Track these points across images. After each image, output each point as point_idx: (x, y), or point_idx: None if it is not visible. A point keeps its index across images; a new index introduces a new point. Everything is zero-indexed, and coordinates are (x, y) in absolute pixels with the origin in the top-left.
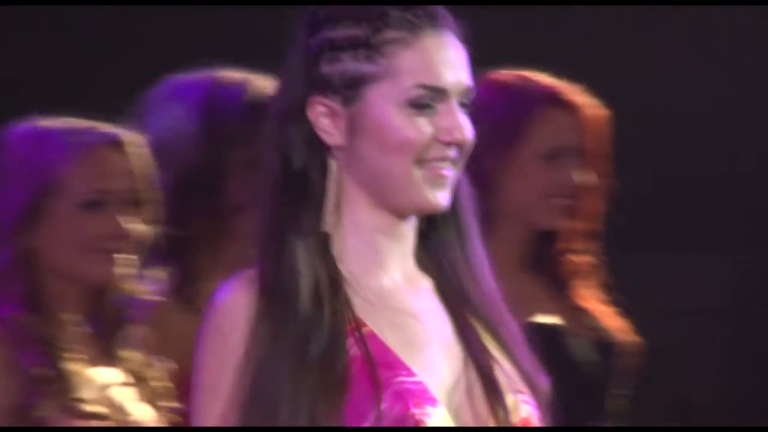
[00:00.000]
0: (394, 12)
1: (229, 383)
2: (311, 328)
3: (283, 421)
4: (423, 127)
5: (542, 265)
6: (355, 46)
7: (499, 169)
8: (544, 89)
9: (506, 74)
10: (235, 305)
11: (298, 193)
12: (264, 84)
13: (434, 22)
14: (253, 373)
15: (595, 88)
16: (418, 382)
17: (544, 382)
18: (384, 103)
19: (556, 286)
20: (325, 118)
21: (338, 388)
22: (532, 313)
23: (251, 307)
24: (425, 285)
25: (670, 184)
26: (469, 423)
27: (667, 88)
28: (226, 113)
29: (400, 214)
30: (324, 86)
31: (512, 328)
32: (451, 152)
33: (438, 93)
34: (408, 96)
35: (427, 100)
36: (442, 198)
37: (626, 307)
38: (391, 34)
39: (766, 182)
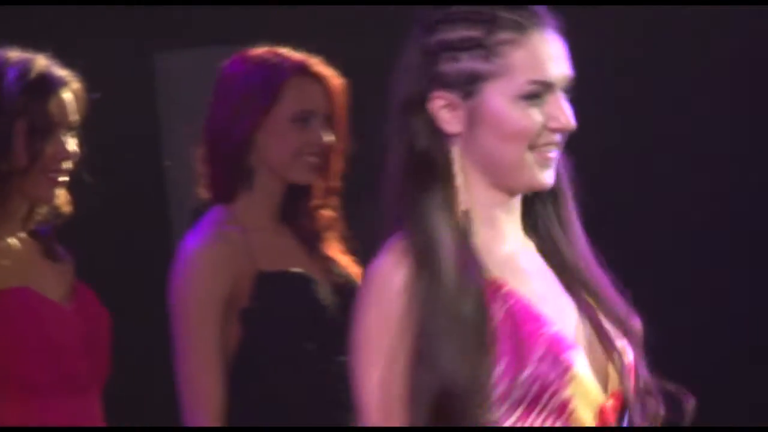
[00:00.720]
0: (503, 14)
1: (391, 345)
2: (460, 292)
3: (445, 378)
4: (535, 116)
5: (295, 217)
6: (471, 46)
7: (257, 129)
8: (293, 61)
9: (262, 50)
10: (392, 274)
11: (427, 175)
12: (44, 63)
13: (538, 21)
14: (414, 335)
15: (334, 58)
16: (558, 331)
17: (637, 325)
18: (500, 98)
19: (307, 236)
20: (445, 110)
21: (491, 343)
22: (285, 261)
23: (407, 275)
24: (532, 248)
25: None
26: (597, 365)
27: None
28: (12, 89)
29: (513, 192)
30: (444, 82)
31: (605, 282)
32: (557, 137)
33: (546, 86)
34: (522, 91)
35: (537, 92)
36: (549, 177)
37: (360, 256)
38: (502, 35)
39: None
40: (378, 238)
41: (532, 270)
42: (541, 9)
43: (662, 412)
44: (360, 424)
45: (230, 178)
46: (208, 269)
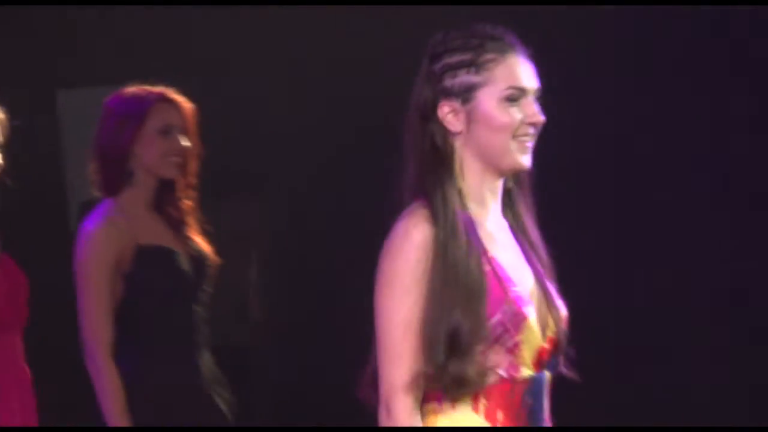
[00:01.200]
0: (487, 42)
1: (411, 288)
2: (467, 251)
3: (456, 312)
4: (515, 114)
5: (163, 206)
6: (466, 65)
7: (134, 141)
8: (155, 92)
9: (133, 87)
10: (413, 232)
11: (439, 163)
12: None
13: (513, 47)
14: (429, 282)
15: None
16: (519, 291)
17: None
18: (489, 101)
19: (172, 221)
20: (450, 115)
21: (484, 290)
22: (157, 238)
23: (425, 233)
24: (506, 226)
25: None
26: (541, 318)
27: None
28: None
29: (500, 176)
30: (448, 94)
31: (546, 257)
32: (531, 130)
33: (521, 91)
34: (504, 95)
35: (515, 96)
36: (527, 161)
37: (210, 236)
38: (487, 56)
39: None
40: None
41: (506, 243)
42: (513, 38)
43: (572, 355)
44: (382, 354)
45: (116, 178)
46: (100, 245)
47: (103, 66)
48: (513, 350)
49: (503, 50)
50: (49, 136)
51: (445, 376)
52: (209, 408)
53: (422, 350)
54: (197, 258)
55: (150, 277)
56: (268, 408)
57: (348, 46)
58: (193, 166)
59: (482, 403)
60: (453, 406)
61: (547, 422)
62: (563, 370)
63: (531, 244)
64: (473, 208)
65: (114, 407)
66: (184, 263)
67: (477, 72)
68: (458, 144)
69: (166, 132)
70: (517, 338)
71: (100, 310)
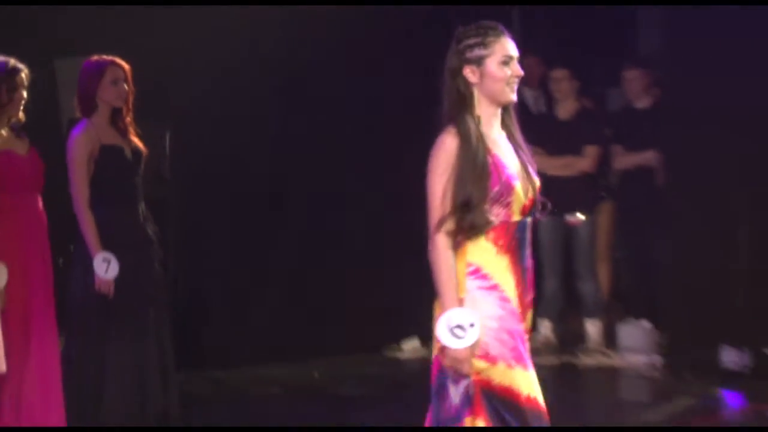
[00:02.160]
0: (489, 30)
1: (448, 171)
2: (476, 151)
3: (470, 186)
4: (507, 71)
5: (116, 122)
6: (478, 45)
7: (98, 86)
8: (110, 59)
9: (98, 56)
10: (449, 141)
11: (463, 101)
12: (13, 62)
13: (504, 32)
14: (458, 167)
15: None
16: (510, 172)
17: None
18: (492, 64)
19: (121, 130)
20: (470, 73)
21: (487, 173)
22: (112, 140)
23: (455, 143)
24: (504, 135)
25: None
26: (524, 187)
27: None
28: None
29: (498, 106)
30: (469, 62)
31: (530, 153)
32: (516, 79)
33: (510, 58)
34: (501, 60)
35: (507, 61)
36: (514, 98)
37: (140, 137)
38: (489, 39)
39: None
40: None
41: (503, 145)
42: (502, 26)
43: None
44: (430, 212)
45: (88, 107)
46: (81, 142)
47: (84, 42)
48: (507, 206)
49: (498, 35)
50: (50, 85)
51: (464, 223)
52: (144, 234)
53: (452, 208)
54: (135, 150)
55: (108, 161)
56: (177, 234)
57: None
58: (130, 100)
59: (490, 236)
60: (472, 243)
61: (530, 254)
62: (538, 216)
63: (519, 146)
64: (483, 126)
65: (90, 234)
66: (128, 153)
67: (485, 48)
68: (475, 90)
69: (115, 82)
70: (509, 199)
71: (81, 179)
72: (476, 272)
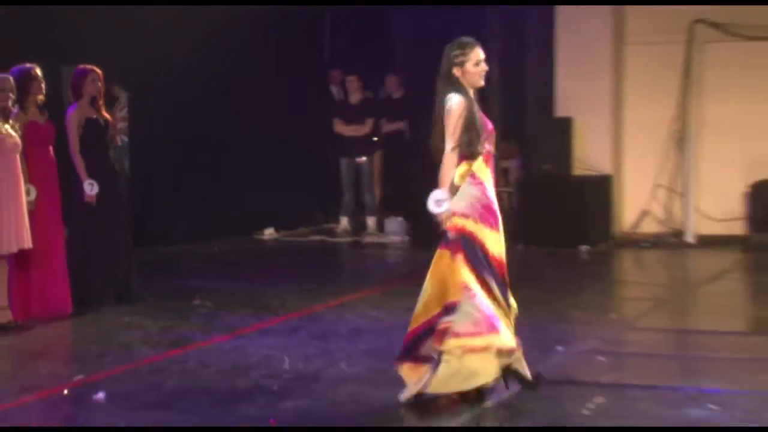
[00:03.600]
0: (468, 44)
1: (461, 118)
2: (476, 110)
3: (473, 129)
4: (481, 68)
5: (95, 103)
6: (462, 53)
7: (83, 84)
8: (91, 68)
9: (84, 65)
10: (461, 101)
11: (455, 84)
12: (29, 65)
13: (476, 43)
14: (465, 118)
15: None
16: (488, 126)
17: (491, 125)
18: (470, 65)
19: (97, 108)
20: (458, 72)
21: (481, 123)
22: (91, 114)
23: (464, 101)
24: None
25: None
26: (488, 140)
27: None
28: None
29: (474, 88)
30: (456, 64)
31: (487, 121)
32: (485, 73)
33: (482, 60)
34: (476, 61)
35: (479, 62)
36: (482, 83)
37: (109, 113)
38: (468, 48)
39: None
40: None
41: (479, 110)
42: (476, 40)
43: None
44: (446, 139)
45: (77, 95)
46: (74, 116)
47: (77, 53)
48: (490, 142)
49: (473, 46)
50: (56, 83)
51: (469, 150)
52: (112, 168)
53: (461, 140)
54: (105, 121)
55: (90, 127)
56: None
57: None
58: (102, 91)
59: (481, 159)
60: (471, 161)
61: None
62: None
63: (479, 109)
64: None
65: (81, 169)
66: (101, 122)
67: (465, 55)
68: (462, 80)
69: (93, 81)
70: (490, 138)
71: (74, 137)
72: (473, 176)
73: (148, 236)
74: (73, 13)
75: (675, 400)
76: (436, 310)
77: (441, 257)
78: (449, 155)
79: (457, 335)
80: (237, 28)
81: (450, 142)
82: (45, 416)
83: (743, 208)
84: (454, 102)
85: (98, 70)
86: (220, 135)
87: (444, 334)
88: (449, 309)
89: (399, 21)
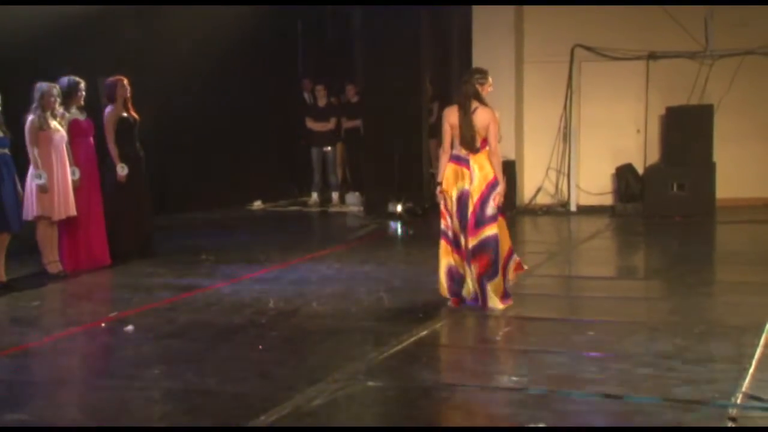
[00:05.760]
0: (485, 71)
1: (444, 124)
2: (467, 108)
3: (453, 126)
4: (490, 88)
5: (126, 105)
6: (481, 78)
7: (115, 91)
8: (120, 78)
9: (116, 76)
10: (496, 112)
11: (477, 97)
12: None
13: (487, 72)
14: (448, 119)
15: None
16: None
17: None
18: (486, 85)
19: (127, 109)
20: (479, 86)
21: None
22: (122, 113)
23: (453, 110)
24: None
25: None
26: (464, 125)
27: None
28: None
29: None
30: (478, 82)
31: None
32: (491, 89)
33: (490, 84)
34: (489, 84)
35: (491, 84)
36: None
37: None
38: (485, 75)
39: None
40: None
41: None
42: (486, 69)
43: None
44: (495, 139)
45: (112, 99)
46: (111, 116)
47: (106, 66)
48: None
49: (487, 74)
50: (95, 90)
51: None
52: (139, 155)
53: (445, 140)
54: (134, 119)
55: (122, 124)
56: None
57: None
58: (129, 96)
59: (481, 146)
60: (471, 153)
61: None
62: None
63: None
64: None
65: (115, 156)
66: (131, 120)
67: (484, 79)
68: (483, 93)
69: (123, 87)
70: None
71: (111, 132)
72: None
73: (164, 205)
74: (102, 34)
75: (564, 328)
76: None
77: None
78: (498, 150)
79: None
80: (238, 42)
81: (497, 140)
82: (87, 344)
83: (611, 185)
84: (495, 112)
85: (125, 79)
86: (219, 128)
87: (518, 266)
88: (512, 252)
89: (358, 41)
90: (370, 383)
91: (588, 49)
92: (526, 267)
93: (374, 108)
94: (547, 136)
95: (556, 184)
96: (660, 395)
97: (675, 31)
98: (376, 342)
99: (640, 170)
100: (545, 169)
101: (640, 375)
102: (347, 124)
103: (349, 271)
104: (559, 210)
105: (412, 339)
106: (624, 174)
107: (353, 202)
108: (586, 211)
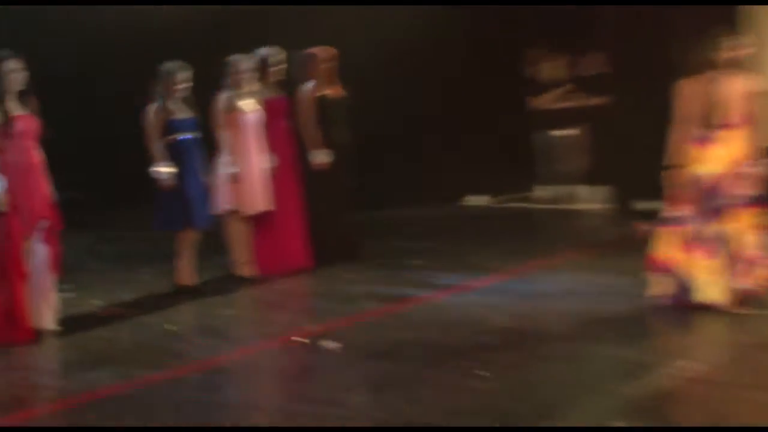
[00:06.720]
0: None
1: None
2: None
3: None
4: None
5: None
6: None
7: (313, 70)
8: (320, 50)
9: (317, 48)
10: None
11: None
12: None
13: None
14: None
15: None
16: None
17: None
18: None
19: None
20: None
21: None
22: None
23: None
24: None
25: None
26: None
27: None
28: None
29: None
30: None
31: None
32: None
33: None
34: None
35: None
36: None
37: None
38: None
39: None
40: None
41: None
42: None
43: None
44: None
45: (311, 74)
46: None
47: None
48: None
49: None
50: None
51: None
52: (343, 146)
53: None
54: (336, 97)
55: (321, 104)
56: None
57: None
58: (332, 70)
59: None
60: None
61: None
62: None
63: None
64: None
65: (309, 143)
66: (329, 98)
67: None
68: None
69: (324, 61)
70: None
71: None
72: None
73: (365, 201)
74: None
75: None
76: None
77: None
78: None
79: None
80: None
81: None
82: (283, 361)
83: None
84: None
85: (331, 49)
86: (431, 108)
87: None
88: None
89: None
90: (621, 424)
91: None
92: None
93: (627, 85)
94: None
95: None
96: None
97: None
98: (625, 373)
99: None
100: None
101: None
102: (587, 102)
103: (592, 283)
104: None
105: (675, 372)
106: None
107: (593, 197)
108: None
